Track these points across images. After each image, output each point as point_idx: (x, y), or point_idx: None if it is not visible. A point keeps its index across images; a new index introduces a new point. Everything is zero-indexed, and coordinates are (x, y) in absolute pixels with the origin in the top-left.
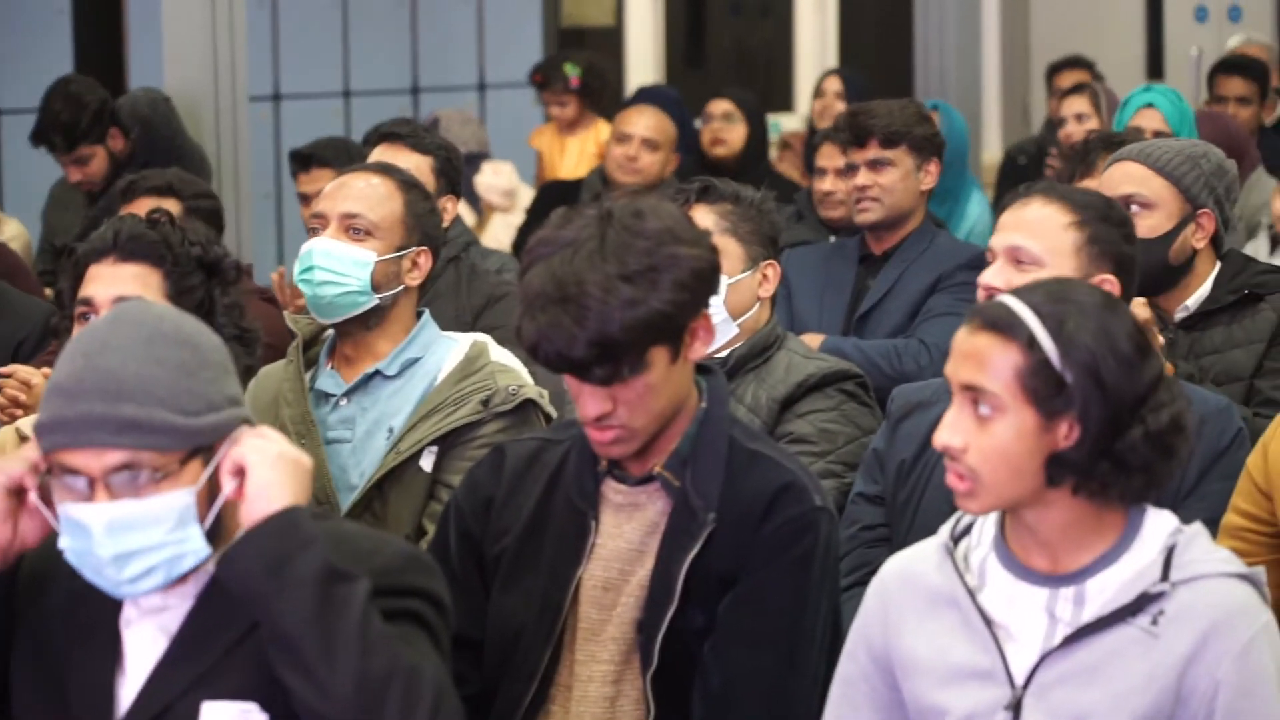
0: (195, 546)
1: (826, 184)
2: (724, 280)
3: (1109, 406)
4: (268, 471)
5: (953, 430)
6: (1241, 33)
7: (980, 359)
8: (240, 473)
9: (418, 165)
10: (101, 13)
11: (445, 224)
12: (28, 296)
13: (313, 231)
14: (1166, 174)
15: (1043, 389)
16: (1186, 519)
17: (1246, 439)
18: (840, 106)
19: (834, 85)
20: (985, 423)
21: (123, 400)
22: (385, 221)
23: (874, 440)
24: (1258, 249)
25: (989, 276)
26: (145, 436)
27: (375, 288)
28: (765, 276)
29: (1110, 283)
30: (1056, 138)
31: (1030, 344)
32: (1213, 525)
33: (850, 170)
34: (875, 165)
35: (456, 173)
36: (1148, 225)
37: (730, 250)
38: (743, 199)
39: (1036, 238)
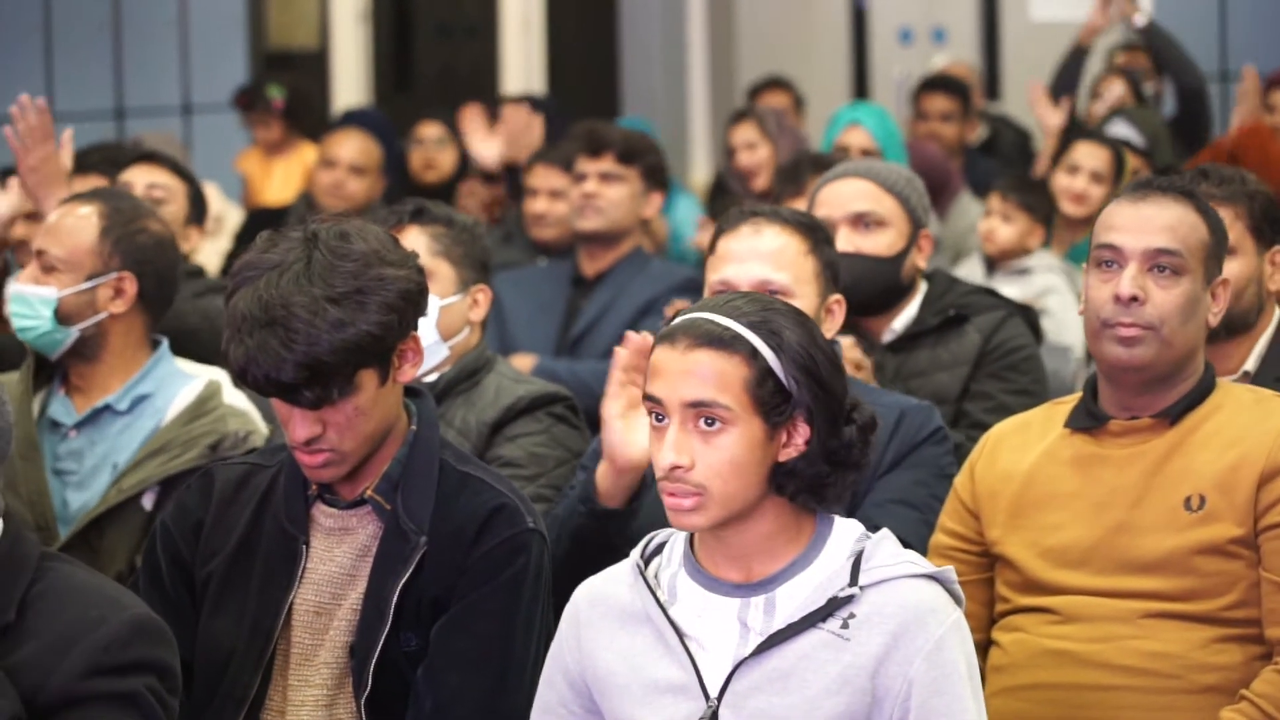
0: None
1: (539, 205)
2: (436, 303)
3: (829, 405)
4: None
5: (678, 449)
6: (947, 54)
7: (703, 375)
8: None
9: (176, 189)
10: None
11: (187, 250)
12: None
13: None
14: (895, 193)
15: (769, 398)
16: (875, 500)
17: (947, 438)
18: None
19: None
20: (712, 437)
21: None
22: (72, 254)
23: (594, 441)
24: (971, 271)
25: None
26: None
27: (65, 321)
28: (476, 300)
29: (840, 303)
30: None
31: (753, 355)
32: (898, 505)
33: (579, 179)
34: (607, 177)
35: (203, 206)
36: (883, 243)
37: (442, 273)
38: (455, 222)
39: (783, 269)
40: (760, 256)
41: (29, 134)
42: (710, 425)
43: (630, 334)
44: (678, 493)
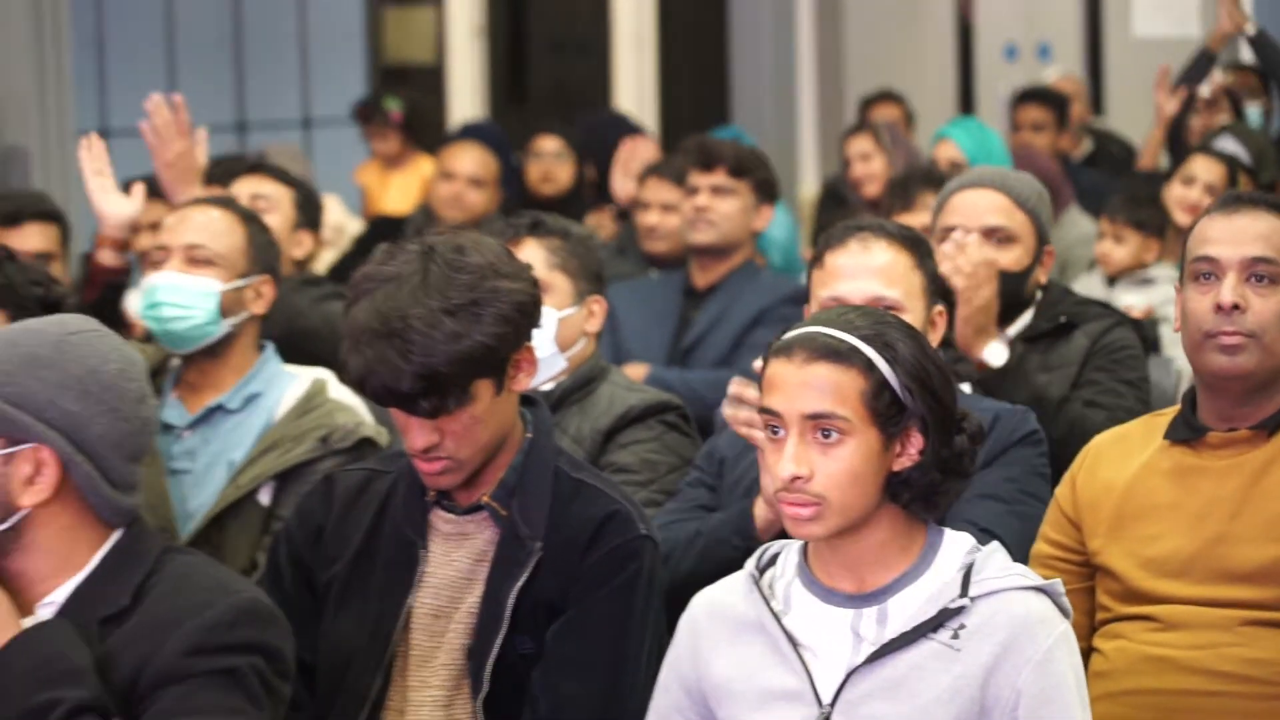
0: None
1: (652, 218)
2: (553, 315)
3: (942, 415)
4: None
5: (797, 460)
6: (1057, 68)
7: (821, 388)
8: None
9: (281, 196)
10: None
11: (301, 256)
12: None
13: (155, 265)
14: (1028, 209)
15: (884, 409)
16: (964, 496)
17: (1041, 440)
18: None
19: None
20: (831, 448)
21: None
22: (229, 251)
23: (706, 444)
24: (1091, 285)
25: None
26: None
27: (223, 315)
28: (592, 311)
29: (942, 314)
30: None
31: (869, 368)
32: (985, 499)
33: (691, 192)
34: (718, 191)
35: (315, 209)
36: (1012, 258)
37: (559, 285)
38: (571, 235)
39: (895, 284)
40: (871, 272)
41: (165, 128)
42: (828, 436)
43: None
44: (796, 502)
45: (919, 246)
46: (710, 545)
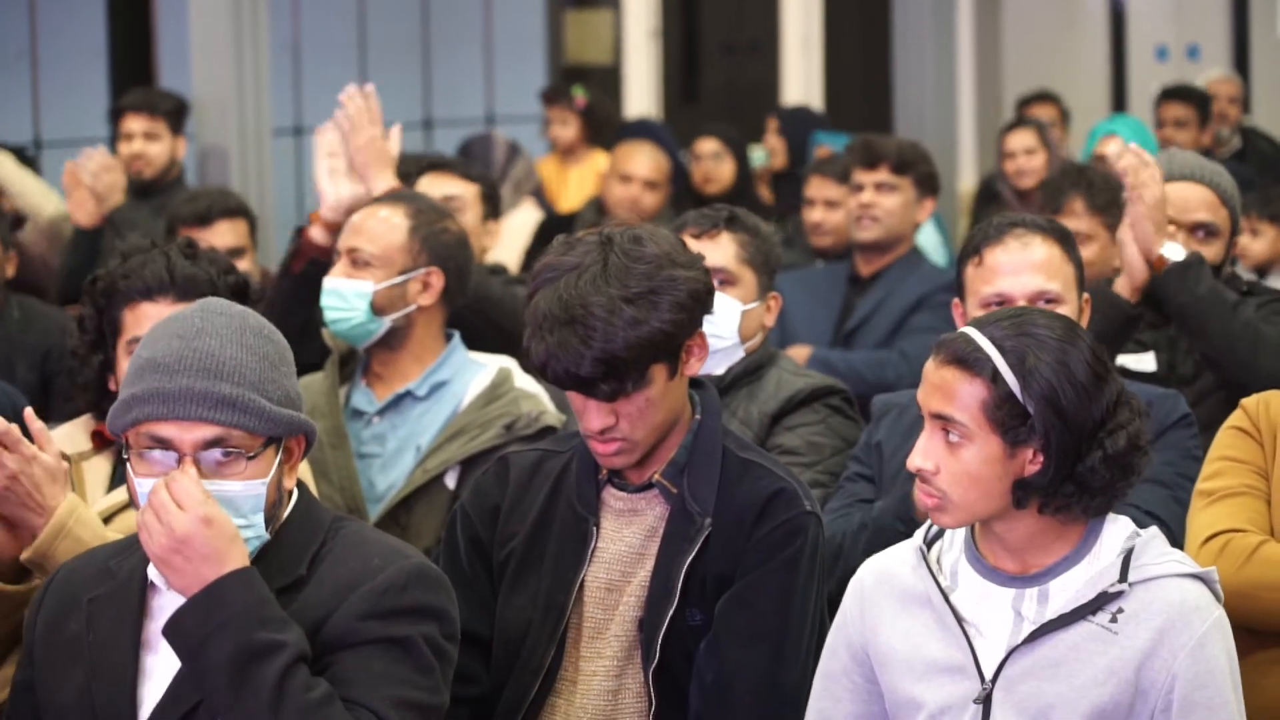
0: (258, 532)
1: (815, 214)
2: (738, 307)
3: (1069, 434)
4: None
5: (924, 455)
6: (1217, 70)
7: (948, 391)
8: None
9: (469, 194)
10: (130, 50)
11: (491, 245)
12: (52, 308)
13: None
14: (1230, 206)
15: (1006, 419)
16: None
17: (1193, 423)
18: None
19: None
20: (954, 449)
21: (220, 379)
22: (384, 251)
23: (864, 434)
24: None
25: None
26: (238, 415)
27: (378, 312)
28: (769, 307)
29: (1088, 301)
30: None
31: (994, 377)
32: (1147, 484)
33: (856, 189)
34: (882, 187)
35: (497, 199)
36: (1211, 253)
37: (746, 279)
38: (760, 232)
39: (1054, 277)
40: (1032, 267)
41: (358, 115)
42: (952, 437)
43: None
44: (925, 492)
45: (1067, 239)
46: (876, 534)
